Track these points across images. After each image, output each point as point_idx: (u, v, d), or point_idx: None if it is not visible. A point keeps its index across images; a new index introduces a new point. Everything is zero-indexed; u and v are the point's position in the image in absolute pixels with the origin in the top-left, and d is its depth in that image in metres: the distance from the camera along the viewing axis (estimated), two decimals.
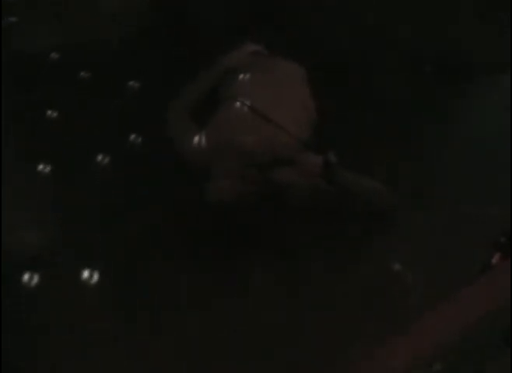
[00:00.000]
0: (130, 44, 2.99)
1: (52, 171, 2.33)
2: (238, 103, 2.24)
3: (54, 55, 2.85)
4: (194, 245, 2.11)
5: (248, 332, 1.85)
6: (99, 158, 2.37)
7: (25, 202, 2.22)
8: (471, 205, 2.31)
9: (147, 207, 2.21)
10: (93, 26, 3.14)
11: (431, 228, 2.21)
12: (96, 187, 2.29)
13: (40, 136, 2.48)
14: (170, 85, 2.48)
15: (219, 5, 3.40)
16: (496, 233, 2.03)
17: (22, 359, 1.73)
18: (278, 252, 2.12)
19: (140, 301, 1.91)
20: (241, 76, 2.41)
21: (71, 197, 2.23)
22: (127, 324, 1.85)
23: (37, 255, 2.02)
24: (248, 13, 3.41)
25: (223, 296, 1.94)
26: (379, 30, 3.37)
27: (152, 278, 1.98)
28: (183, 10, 3.42)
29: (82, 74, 2.77)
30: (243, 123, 2.19)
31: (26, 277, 1.93)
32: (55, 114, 2.57)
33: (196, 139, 2.21)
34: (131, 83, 2.72)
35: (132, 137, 2.46)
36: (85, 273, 1.98)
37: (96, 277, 1.97)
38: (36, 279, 1.94)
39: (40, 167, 2.32)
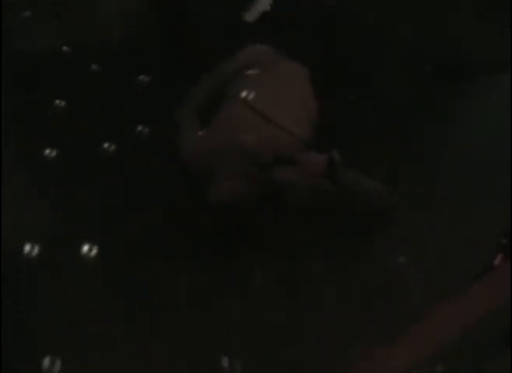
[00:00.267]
0: (139, 40, 3.04)
1: (57, 156, 2.37)
2: (240, 103, 2.24)
3: (65, 49, 2.93)
4: (194, 245, 2.11)
5: (248, 332, 1.85)
6: (105, 145, 2.41)
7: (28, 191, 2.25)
8: (471, 205, 2.31)
9: (147, 207, 2.21)
10: (96, 25, 3.17)
11: (431, 228, 2.21)
12: (99, 177, 2.32)
13: (46, 123, 2.53)
14: (179, 80, 2.57)
15: (219, 5, 3.40)
16: (496, 233, 2.03)
17: (22, 359, 1.72)
18: (278, 252, 2.12)
19: (140, 302, 1.91)
20: (243, 76, 2.41)
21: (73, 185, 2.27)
22: (127, 324, 1.85)
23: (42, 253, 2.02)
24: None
25: (223, 296, 1.94)
26: (379, 30, 3.37)
27: (152, 278, 1.98)
28: (183, 10, 3.42)
29: (93, 67, 2.83)
30: (245, 122, 2.20)
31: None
32: (63, 104, 2.62)
33: (198, 139, 2.21)
34: (141, 77, 2.77)
35: (139, 127, 2.51)
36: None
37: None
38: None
39: (47, 152, 2.37)
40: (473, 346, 1.36)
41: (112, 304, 1.90)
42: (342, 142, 2.40)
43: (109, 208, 2.21)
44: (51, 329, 1.82)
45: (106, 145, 2.42)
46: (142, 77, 2.78)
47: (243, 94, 2.29)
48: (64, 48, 2.95)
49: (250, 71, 2.43)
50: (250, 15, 2.97)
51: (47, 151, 2.38)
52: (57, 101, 2.64)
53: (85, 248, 2.05)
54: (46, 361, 1.72)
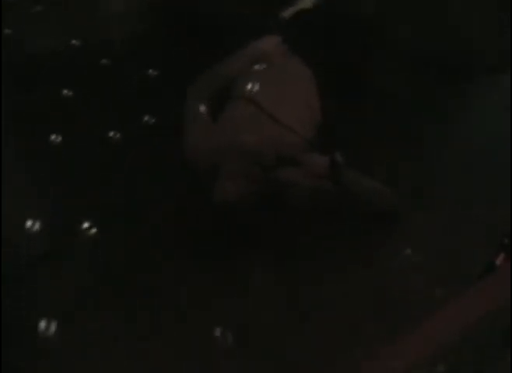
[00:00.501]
0: (148, 37, 3.15)
1: (63, 141, 2.43)
2: (245, 101, 2.24)
3: (75, 42, 3.02)
4: (195, 245, 2.11)
5: (248, 332, 1.84)
6: (111, 134, 2.47)
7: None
8: (471, 205, 2.31)
9: (147, 199, 2.21)
10: (104, 23, 3.28)
11: (431, 228, 2.21)
12: (103, 163, 2.38)
13: (53, 110, 2.60)
14: (186, 74, 2.57)
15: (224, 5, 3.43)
16: (496, 233, 2.03)
17: (22, 359, 1.72)
18: (278, 252, 2.12)
19: (140, 301, 1.91)
20: (249, 74, 2.40)
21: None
22: (127, 324, 1.85)
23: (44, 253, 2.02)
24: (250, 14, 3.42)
25: (223, 296, 1.94)
26: (379, 30, 3.36)
27: (152, 278, 1.98)
28: (190, 8, 3.43)
29: (103, 61, 2.92)
30: (248, 121, 2.19)
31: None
32: (71, 93, 2.71)
33: (201, 136, 2.20)
34: (150, 71, 2.86)
35: (146, 117, 2.57)
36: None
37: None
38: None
39: (52, 137, 2.43)
40: (473, 346, 1.36)
41: (112, 303, 1.90)
42: (343, 142, 2.40)
43: (110, 194, 2.25)
44: (51, 329, 1.82)
45: (111, 133, 2.48)
46: (150, 71, 2.87)
47: (249, 92, 2.28)
48: (74, 42, 3.05)
49: (255, 70, 2.42)
50: (288, 12, 3.01)
51: (53, 137, 2.44)
52: (65, 91, 2.71)
53: (85, 225, 2.10)
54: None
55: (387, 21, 3.45)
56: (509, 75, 3.00)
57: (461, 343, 1.31)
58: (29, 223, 2.08)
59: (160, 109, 2.60)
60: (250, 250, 2.11)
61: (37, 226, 2.08)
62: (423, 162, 2.55)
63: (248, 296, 1.96)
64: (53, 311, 1.85)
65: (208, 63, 2.50)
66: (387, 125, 2.66)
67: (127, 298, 1.92)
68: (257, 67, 2.43)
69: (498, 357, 1.42)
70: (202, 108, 2.28)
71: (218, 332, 1.83)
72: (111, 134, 2.48)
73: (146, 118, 2.57)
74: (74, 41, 3.04)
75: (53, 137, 2.45)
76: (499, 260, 1.84)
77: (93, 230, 2.12)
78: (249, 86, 2.33)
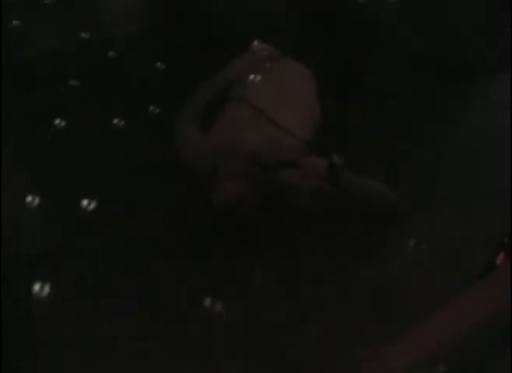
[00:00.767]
0: (156, 32, 3.31)
1: (67, 126, 2.52)
2: (243, 104, 2.24)
3: (84, 35, 3.16)
4: (195, 245, 2.11)
5: (248, 332, 1.85)
6: (115, 121, 2.56)
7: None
8: (471, 205, 2.31)
9: (147, 207, 2.22)
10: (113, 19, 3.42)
11: (431, 228, 2.21)
12: (105, 148, 2.46)
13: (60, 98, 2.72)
14: (194, 69, 2.76)
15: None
16: (496, 233, 2.03)
17: (22, 359, 1.72)
18: (278, 252, 2.12)
19: (140, 301, 1.91)
20: (247, 77, 2.41)
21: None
22: (127, 324, 1.85)
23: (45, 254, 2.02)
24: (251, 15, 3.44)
25: (223, 296, 1.94)
26: (379, 30, 3.37)
27: (152, 278, 1.98)
28: (185, 10, 3.45)
29: (110, 53, 3.06)
30: (248, 123, 2.20)
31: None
32: (77, 83, 2.81)
33: (199, 141, 2.21)
34: (158, 64, 2.96)
35: (151, 107, 2.66)
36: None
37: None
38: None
39: (57, 121, 2.53)
40: (473, 346, 1.36)
41: (112, 303, 1.90)
42: (343, 142, 2.40)
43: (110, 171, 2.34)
44: (51, 328, 1.82)
45: (116, 121, 2.56)
46: (158, 64, 2.96)
47: (246, 94, 2.29)
48: (83, 34, 3.15)
49: (253, 72, 2.42)
50: None
51: (57, 121, 2.53)
52: (72, 81, 2.79)
53: (85, 203, 2.17)
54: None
55: (387, 21, 3.46)
56: (509, 75, 3.01)
57: (461, 343, 1.31)
58: (29, 198, 2.16)
59: (165, 101, 2.67)
60: (250, 250, 2.11)
61: (37, 201, 2.17)
62: (423, 162, 2.55)
63: (248, 296, 1.96)
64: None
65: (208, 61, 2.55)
66: (387, 125, 2.66)
67: (127, 298, 1.92)
68: (254, 72, 2.43)
69: (498, 357, 1.42)
70: (197, 116, 2.31)
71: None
72: (115, 121, 2.56)
73: (151, 108, 2.66)
74: (83, 34, 3.16)
75: (57, 121, 2.54)
76: (500, 260, 1.83)
77: (92, 206, 2.18)
78: (248, 89, 2.33)
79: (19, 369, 1.70)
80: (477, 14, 3.52)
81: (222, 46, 3.02)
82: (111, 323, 1.83)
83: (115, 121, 2.54)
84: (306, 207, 2.11)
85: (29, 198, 2.18)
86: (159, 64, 2.97)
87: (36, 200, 2.20)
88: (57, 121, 2.52)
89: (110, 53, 3.04)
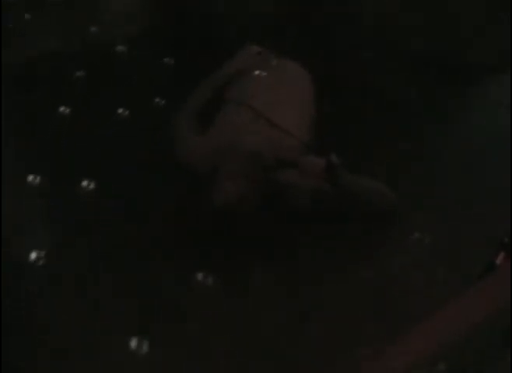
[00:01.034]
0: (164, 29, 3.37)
1: (71, 113, 2.60)
2: (241, 105, 2.24)
3: (94, 29, 3.24)
4: (195, 245, 2.11)
5: (248, 332, 1.85)
6: (120, 110, 2.64)
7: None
8: (471, 205, 2.31)
9: (147, 207, 2.22)
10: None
11: (431, 228, 2.21)
12: (108, 134, 2.51)
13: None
14: (194, 69, 2.80)
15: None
16: (496, 233, 2.03)
17: (22, 359, 1.72)
18: (278, 252, 2.12)
19: (140, 301, 1.91)
20: (245, 78, 2.41)
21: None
22: (127, 324, 1.85)
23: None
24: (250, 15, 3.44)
25: (223, 296, 1.94)
26: (379, 30, 3.37)
27: (152, 278, 1.98)
28: (185, 10, 3.46)
29: (119, 48, 3.11)
30: (246, 124, 2.20)
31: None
32: (84, 74, 2.86)
33: (198, 141, 2.21)
34: (166, 59, 3.02)
35: (157, 99, 2.74)
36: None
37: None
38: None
39: (61, 109, 2.61)
40: (474, 346, 1.36)
41: (112, 303, 1.90)
42: (343, 142, 2.40)
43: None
44: (51, 329, 1.82)
45: (120, 110, 2.64)
46: (166, 59, 3.01)
47: (244, 96, 2.29)
48: (93, 29, 3.22)
49: (250, 73, 2.43)
50: None
51: (62, 109, 2.60)
52: (79, 72, 2.85)
53: (84, 183, 2.25)
54: None
55: (387, 21, 3.46)
56: (509, 75, 3.01)
57: (461, 343, 1.31)
58: (30, 177, 2.25)
59: (166, 101, 2.72)
60: (250, 250, 2.11)
61: (38, 180, 2.25)
62: (423, 162, 2.55)
63: (248, 296, 1.96)
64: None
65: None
66: (387, 125, 2.66)
67: (127, 298, 1.92)
68: (250, 73, 2.43)
69: (498, 357, 1.42)
70: (193, 117, 2.33)
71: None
72: (120, 110, 2.63)
73: (157, 100, 2.73)
74: (93, 28, 3.23)
75: (62, 108, 2.60)
76: (500, 260, 1.84)
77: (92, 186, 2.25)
78: (247, 91, 2.33)
79: (19, 369, 1.70)
80: (477, 14, 3.52)
81: (222, 46, 3.02)
82: (111, 323, 1.83)
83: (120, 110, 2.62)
84: (306, 207, 2.11)
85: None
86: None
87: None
88: (61, 108, 2.60)
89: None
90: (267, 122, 2.19)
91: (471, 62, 3.13)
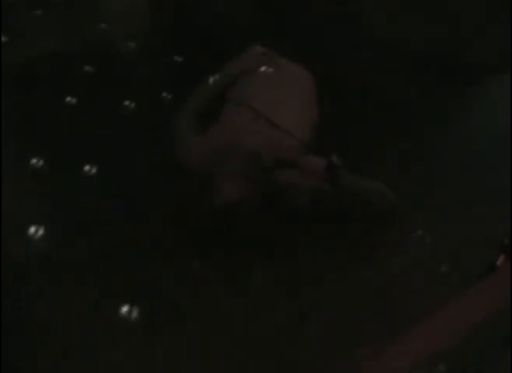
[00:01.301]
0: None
1: (78, 103, 2.66)
2: (242, 105, 2.24)
3: (103, 26, 3.33)
4: (195, 245, 2.11)
5: (248, 332, 1.85)
6: (126, 103, 2.71)
7: None
8: (471, 205, 2.31)
9: (147, 207, 2.22)
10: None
11: (431, 228, 2.21)
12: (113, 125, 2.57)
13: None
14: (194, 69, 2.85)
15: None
16: (496, 233, 2.03)
17: (22, 359, 1.72)
18: (278, 252, 2.12)
19: (140, 301, 1.91)
20: (245, 78, 2.41)
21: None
22: (127, 324, 1.85)
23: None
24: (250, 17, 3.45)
25: (223, 296, 1.94)
26: (379, 30, 3.37)
27: (152, 278, 1.98)
28: (185, 10, 3.46)
29: (129, 44, 3.21)
30: (247, 124, 2.20)
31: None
32: (91, 69, 2.93)
33: (198, 141, 2.21)
34: (175, 58, 3.09)
35: (164, 94, 2.81)
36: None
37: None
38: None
39: (68, 99, 2.68)
40: (474, 346, 1.36)
41: (112, 303, 1.90)
42: (343, 142, 2.40)
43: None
44: (51, 329, 1.82)
45: (127, 102, 2.70)
46: (176, 57, 3.07)
47: (245, 96, 2.29)
48: (103, 25, 3.30)
49: (251, 74, 2.42)
50: None
51: (68, 99, 2.67)
52: (87, 67, 2.91)
53: (87, 168, 2.32)
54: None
55: (387, 21, 3.46)
56: (509, 75, 3.01)
57: (462, 343, 1.31)
58: (34, 160, 2.32)
59: (166, 101, 2.76)
60: (250, 250, 2.11)
61: (41, 163, 2.33)
62: (423, 162, 2.56)
63: (248, 296, 1.96)
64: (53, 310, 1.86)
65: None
66: (387, 125, 2.66)
67: (127, 297, 1.92)
68: (252, 74, 2.43)
69: (498, 357, 1.42)
70: (194, 118, 2.33)
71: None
72: (127, 102, 2.69)
73: (164, 94, 2.79)
74: (103, 25, 3.32)
75: (68, 98, 2.66)
76: (500, 261, 1.84)
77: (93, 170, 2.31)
78: (247, 91, 2.33)
79: (19, 369, 1.70)
80: (477, 14, 3.52)
81: (222, 46, 3.02)
82: (111, 323, 1.83)
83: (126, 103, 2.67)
84: (306, 207, 2.11)
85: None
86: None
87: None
88: (68, 98, 2.67)
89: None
90: (267, 122, 2.20)
91: (471, 62, 3.13)
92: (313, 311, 1.92)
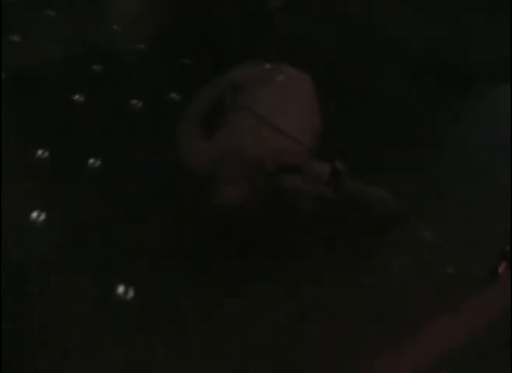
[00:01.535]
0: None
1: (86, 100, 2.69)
2: (244, 112, 2.24)
3: (116, 27, 3.37)
4: (195, 245, 2.11)
5: (248, 332, 1.85)
6: (134, 102, 2.73)
7: None
8: (471, 205, 2.31)
9: (147, 207, 2.22)
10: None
11: (431, 229, 2.21)
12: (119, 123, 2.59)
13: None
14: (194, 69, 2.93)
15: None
16: (496, 234, 2.03)
17: (22, 359, 1.72)
18: (278, 252, 2.12)
19: (140, 302, 1.91)
20: (246, 85, 2.41)
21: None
22: (127, 324, 1.85)
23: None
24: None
25: (223, 296, 1.94)
26: (379, 31, 3.37)
27: (152, 278, 1.98)
28: (185, 10, 3.47)
29: (141, 46, 3.24)
30: (251, 132, 2.19)
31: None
32: (100, 68, 2.96)
33: (202, 147, 2.21)
34: (184, 60, 3.10)
35: (172, 94, 2.82)
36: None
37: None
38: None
39: (76, 97, 2.70)
40: (475, 350, 1.36)
41: (112, 303, 1.90)
42: (342, 142, 2.40)
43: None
44: (51, 328, 1.82)
45: (134, 101, 2.72)
46: (184, 59, 3.08)
47: (248, 102, 2.29)
48: (115, 27, 3.34)
49: (253, 80, 2.42)
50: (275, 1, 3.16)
51: (76, 97, 2.69)
52: (96, 66, 2.93)
53: (91, 161, 2.34)
54: None
55: (387, 21, 3.46)
56: (509, 76, 3.01)
57: (463, 347, 1.31)
58: (39, 151, 2.36)
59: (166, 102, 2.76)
60: (250, 250, 2.11)
61: (46, 154, 2.36)
62: (423, 162, 2.56)
63: (248, 296, 1.96)
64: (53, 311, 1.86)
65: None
66: (387, 125, 2.66)
67: (127, 297, 1.92)
68: (253, 80, 2.43)
69: (499, 364, 1.42)
70: (197, 123, 2.33)
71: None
72: (134, 101, 2.70)
73: (172, 95, 2.80)
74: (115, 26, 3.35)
75: (76, 96, 2.68)
76: (502, 268, 1.84)
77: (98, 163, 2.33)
78: (250, 98, 2.33)
79: (19, 369, 1.71)
80: (477, 14, 3.52)
81: (222, 46, 3.02)
82: (111, 323, 1.83)
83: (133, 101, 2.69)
84: (308, 211, 2.12)
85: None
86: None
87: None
88: (76, 96, 2.68)
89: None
90: (271, 128, 2.20)
91: (471, 62, 3.13)
92: (313, 311, 1.92)
